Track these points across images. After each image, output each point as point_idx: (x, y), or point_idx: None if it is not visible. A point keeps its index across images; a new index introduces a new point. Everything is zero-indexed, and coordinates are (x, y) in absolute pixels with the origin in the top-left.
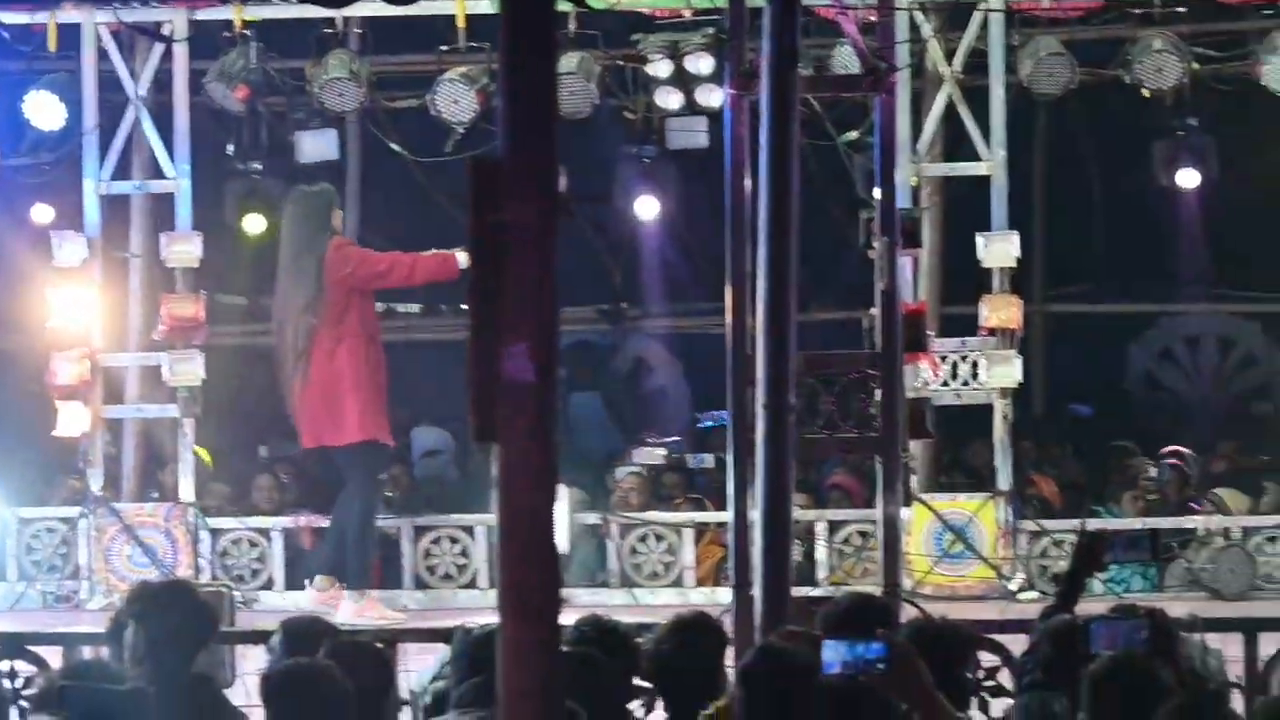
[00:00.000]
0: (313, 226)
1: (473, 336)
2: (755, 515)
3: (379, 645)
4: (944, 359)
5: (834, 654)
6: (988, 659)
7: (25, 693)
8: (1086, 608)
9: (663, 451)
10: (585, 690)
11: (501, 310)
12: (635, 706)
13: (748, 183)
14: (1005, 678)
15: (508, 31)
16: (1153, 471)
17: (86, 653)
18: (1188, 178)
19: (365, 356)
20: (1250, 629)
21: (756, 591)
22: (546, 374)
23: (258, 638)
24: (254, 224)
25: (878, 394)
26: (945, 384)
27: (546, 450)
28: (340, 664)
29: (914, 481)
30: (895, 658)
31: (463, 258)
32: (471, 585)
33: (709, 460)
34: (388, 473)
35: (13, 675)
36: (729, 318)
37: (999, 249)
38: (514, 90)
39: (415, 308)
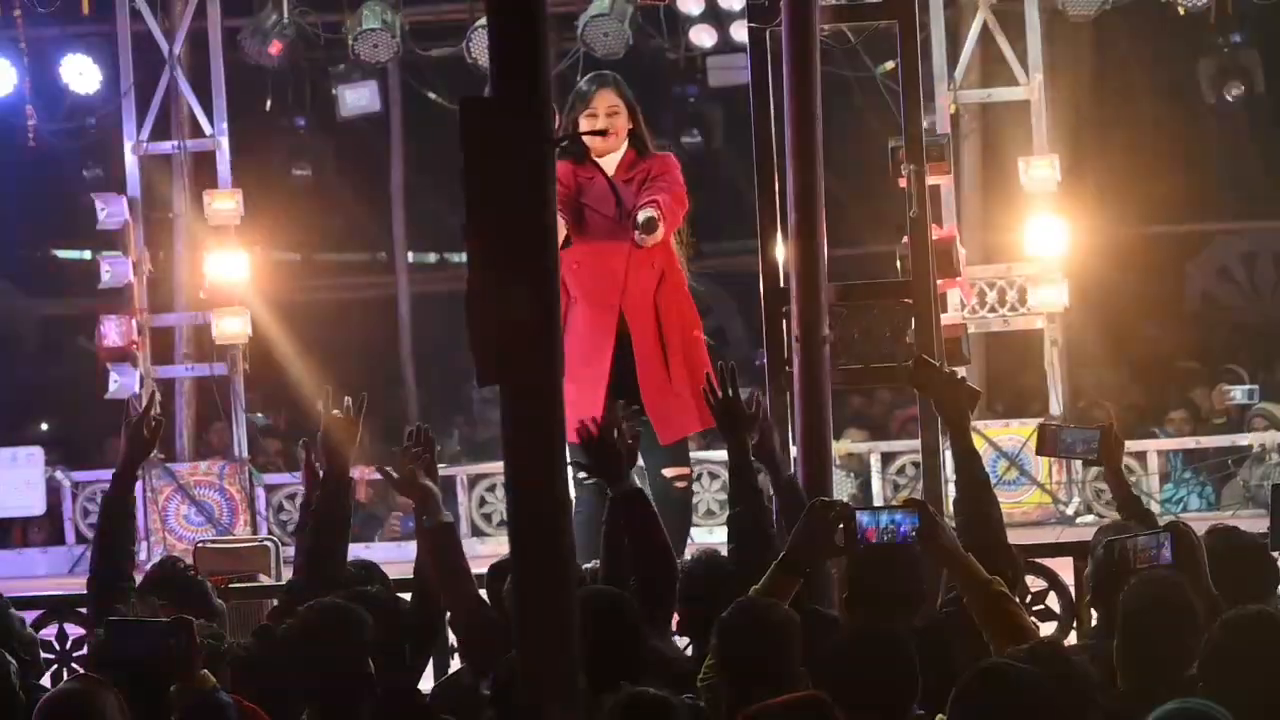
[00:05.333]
0: None
1: (472, 278)
2: (795, 450)
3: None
4: (991, 285)
5: (866, 522)
6: (1036, 583)
7: (76, 654)
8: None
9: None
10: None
11: (499, 250)
12: None
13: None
14: (1053, 601)
15: None
16: (1237, 394)
17: None
18: (1234, 95)
19: None
20: None
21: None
22: (549, 315)
23: None
24: (301, 179)
25: (913, 322)
26: (993, 310)
27: (551, 393)
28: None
29: None
30: (924, 523)
31: None
32: None
33: None
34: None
35: (62, 637)
36: (760, 252)
37: (1040, 174)
38: (502, 27)
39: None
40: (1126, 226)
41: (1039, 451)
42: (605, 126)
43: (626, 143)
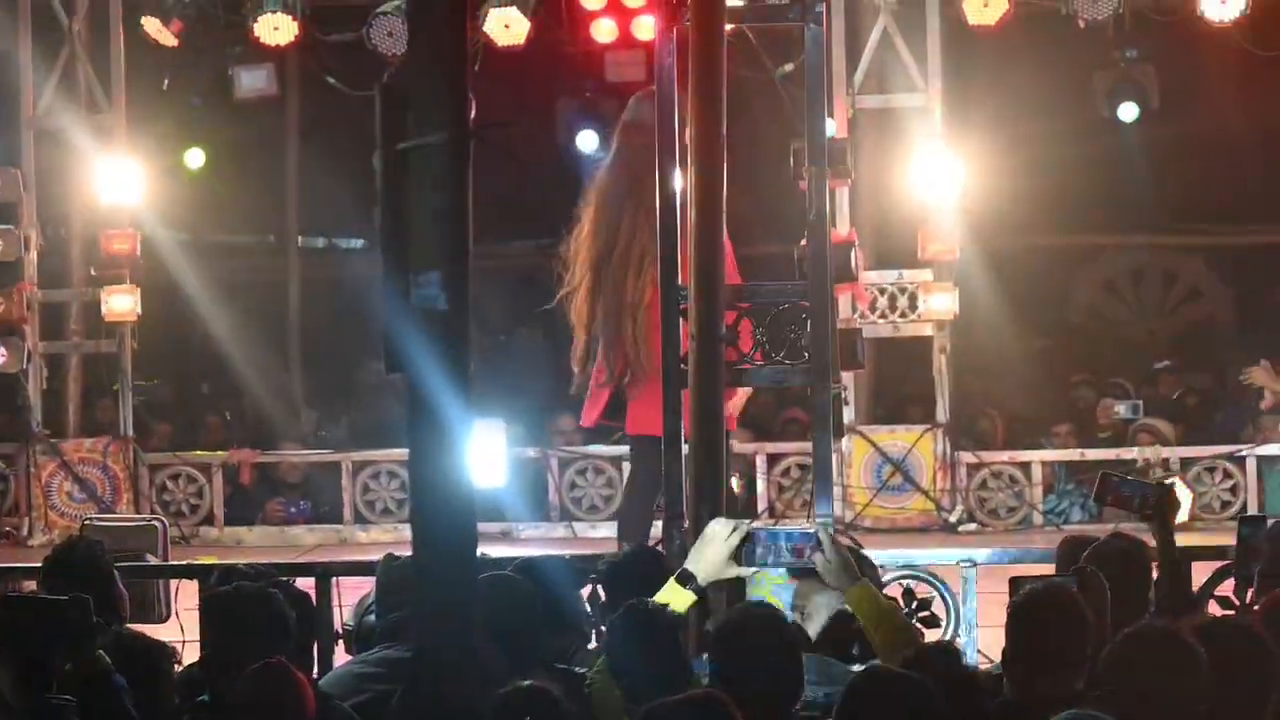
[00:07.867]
0: None
1: (384, 265)
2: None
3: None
4: (883, 291)
5: (762, 544)
6: (923, 590)
7: None
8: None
9: None
10: None
11: (412, 238)
12: None
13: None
14: (939, 608)
15: None
16: (1122, 409)
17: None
18: (1128, 110)
19: None
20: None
21: (688, 523)
22: (459, 302)
23: (190, 572)
24: (195, 159)
25: (808, 324)
26: (883, 316)
27: (459, 380)
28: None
29: (852, 414)
30: (822, 543)
31: None
32: None
33: None
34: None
35: None
36: (660, 249)
37: (935, 180)
38: (421, 14)
39: (358, 243)
40: (1017, 237)
41: (1095, 498)
42: None
43: None
